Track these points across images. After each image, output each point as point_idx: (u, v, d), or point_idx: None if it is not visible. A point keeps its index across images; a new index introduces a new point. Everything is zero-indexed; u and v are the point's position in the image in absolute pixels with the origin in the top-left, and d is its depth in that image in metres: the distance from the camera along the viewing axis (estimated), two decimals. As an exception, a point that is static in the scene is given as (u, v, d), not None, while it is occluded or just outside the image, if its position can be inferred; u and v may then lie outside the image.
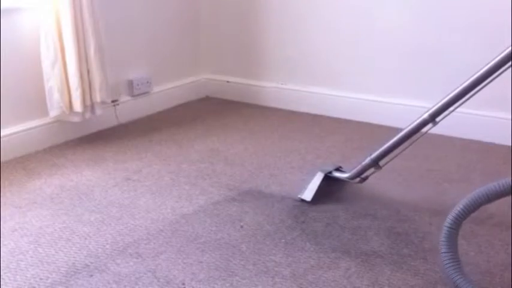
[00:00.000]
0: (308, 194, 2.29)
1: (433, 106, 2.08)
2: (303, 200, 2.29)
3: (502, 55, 1.90)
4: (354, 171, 2.27)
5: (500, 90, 2.84)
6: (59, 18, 2.74)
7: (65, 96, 2.81)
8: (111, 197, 2.38)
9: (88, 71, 2.87)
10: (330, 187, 2.35)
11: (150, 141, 3.03)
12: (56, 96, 2.80)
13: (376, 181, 2.49)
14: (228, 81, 3.79)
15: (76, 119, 2.92)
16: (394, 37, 3.12)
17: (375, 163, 2.20)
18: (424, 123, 2.10)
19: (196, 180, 2.53)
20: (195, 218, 2.19)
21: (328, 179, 2.34)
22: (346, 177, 2.32)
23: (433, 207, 2.26)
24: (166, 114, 3.52)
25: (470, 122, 2.96)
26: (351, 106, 3.32)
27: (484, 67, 1.95)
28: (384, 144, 2.19)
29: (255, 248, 1.97)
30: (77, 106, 2.84)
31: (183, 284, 1.78)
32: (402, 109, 3.15)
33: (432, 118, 2.08)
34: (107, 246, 2.00)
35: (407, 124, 3.10)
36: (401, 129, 3.10)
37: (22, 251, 1.97)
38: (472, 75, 1.98)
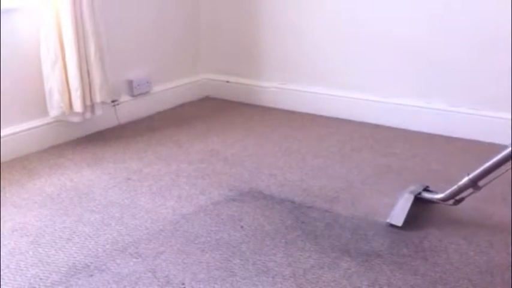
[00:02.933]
0: (398, 219, 2.09)
1: None
2: (392, 225, 2.09)
3: None
4: (448, 192, 2.11)
5: (500, 90, 2.84)
6: (59, 19, 2.74)
7: (65, 97, 2.81)
8: (111, 197, 2.38)
9: (88, 71, 2.87)
10: (417, 208, 2.18)
11: (150, 141, 3.03)
12: (56, 96, 2.80)
13: (376, 181, 2.49)
14: (228, 81, 3.78)
15: (76, 119, 2.92)
16: (394, 37, 3.11)
17: (474, 183, 2.04)
18: None
19: (196, 180, 2.53)
20: (195, 218, 2.19)
21: (417, 200, 2.17)
22: (439, 199, 2.16)
23: (433, 207, 2.25)
24: (166, 114, 3.51)
25: (470, 122, 2.96)
26: (351, 106, 3.32)
27: None
28: (484, 163, 2.02)
29: (255, 248, 1.97)
30: (77, 106, 2.84)
31: (183, 284, 1.78)
32: (402, 109, 3.15)
33: None
34: (107, 246, 2.00)
35: (407, 124, 3.13)
36: (401, 129, 3.13)
37: (22, 251, 1.97)
38: None
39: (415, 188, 2.23)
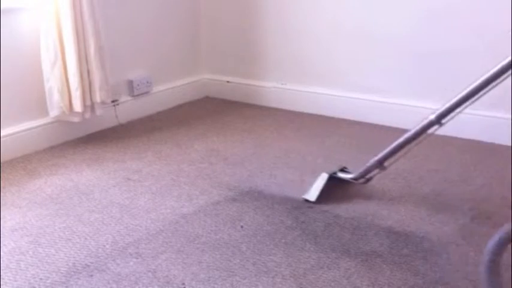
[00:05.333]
0: (312, 194, 2.31)
1: (440, 108, 2.13)
2: (307, 200, 2.30)
3: (505, 62, 1.97)
4: (359, 172, 2.32)
5: (500, 90, 2.83)
6: (59, 19, 2.74)
7: (65, 96, 2.81)
8: (111, 197, 2.38)
9: (88, 71, 2.87)
10: (334, 188, 2.37)
11: (150, 141, 3.03)
12: (56, 96, 2.80)
13: (376, 181, 2.49)
14: (228, 81, 3.78)
15: (76, 119, 2.92)
16: (394, 37, 3.11)
17: (380, 164, 2.26)
18: (430, 125, 2.14)
19: (196, 180, 2.53)
20: (195, 218, 2.19)
21: (332, 179, 2.37)
22: (351, 178, 2.35)
23: (433, 207, 2.26)
24: (166, 114, 3.52)
25: (470, 122, 2.95)
26: (351, 106, 3.32)
27: (490, 71, 2.02)
28: (390, 145, 2.23)
29: (255, 248, 1.97)
30: (77, 106, 2.84)
31: (183, 284, 1.78)
32: (402, 109, 3.15)
33: (438, 120, 2.12)
34: (107, 246, 2.00)
35: (407, 124, 3.12)
36: (401, 129, 3.12)
37: (22, 251, 1.97)
38: (478, 79, 2.04)
39: (333, 169, 2.43)
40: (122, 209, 2.28)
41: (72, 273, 1.85)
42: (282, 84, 3.58)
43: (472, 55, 2.90)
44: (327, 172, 2.37)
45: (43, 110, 2.86)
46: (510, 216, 2.17)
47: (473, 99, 2.06)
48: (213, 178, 2.55)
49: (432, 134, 2.17)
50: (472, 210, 2.23)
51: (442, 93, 3.04)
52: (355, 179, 2.35)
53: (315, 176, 2.56)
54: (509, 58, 1.96)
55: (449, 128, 2.99)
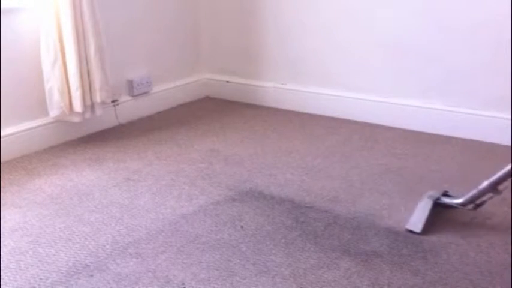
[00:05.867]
0: (417, 225, 2.07)
1: None
2: (411, 231, 2.06)
3: None
4: (468, 196, 2.10)
5: (500, 90, 2.84)
6: (59, 19, 2.74)
7: (65, 97, 2.81)
8: (111, 197, 2.38)
9: (88, 71, 2.87)
10: (436, 214, 2.16)
11: (150, 141, 3.03)
12: (56, 96, 2.80)
13: (376, 181, 2.49)
14: (228, 81, 3.78)
15: (76, 119, 2.92)
16: (393, 37, 3.11)
17: (494, 188, 2.04)
18: None
19: (196, 180, 2.53)
20: (195, 218, 2.19)
21: (436, 205, 2.16)
22: (458, 204, 2.14)
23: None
24: (166, 114, 3.51)
25: (470, 122, 2.96)
26: (351, 106, 3.32)
27: None
28: (504, 167, 2.02)
29: (255, 248, 1.97)
30: (77, 106, 2.84)
31: (183, 284, 1.78)
32: (402, 109, 3.15)
33: None
34: (107, 246, 2.00)
35: (407, 124, 3.13)
36: (401, 129, 3.13)
37: (22, 251, 1.97)
38: None
39: (434, 193, 2.22)
40: (122, 209, 2.28)
41: (72, 273, 1.85)
42: (282, 84, 3.58)
43: (472, 54, 2.90)
44: (430, 197, 2.17)
45: (43, 110, 2.86)
46: (510, 216, 2.17)
47: None
48: (213, 178, 2.55)
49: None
50: (472, 210, 2.23)
51: (442, 93, 3.05)
52: (463, 204, 2.11)
53: (315, 176, 2.56)
54: None
55: (450, 128, 3.01)
